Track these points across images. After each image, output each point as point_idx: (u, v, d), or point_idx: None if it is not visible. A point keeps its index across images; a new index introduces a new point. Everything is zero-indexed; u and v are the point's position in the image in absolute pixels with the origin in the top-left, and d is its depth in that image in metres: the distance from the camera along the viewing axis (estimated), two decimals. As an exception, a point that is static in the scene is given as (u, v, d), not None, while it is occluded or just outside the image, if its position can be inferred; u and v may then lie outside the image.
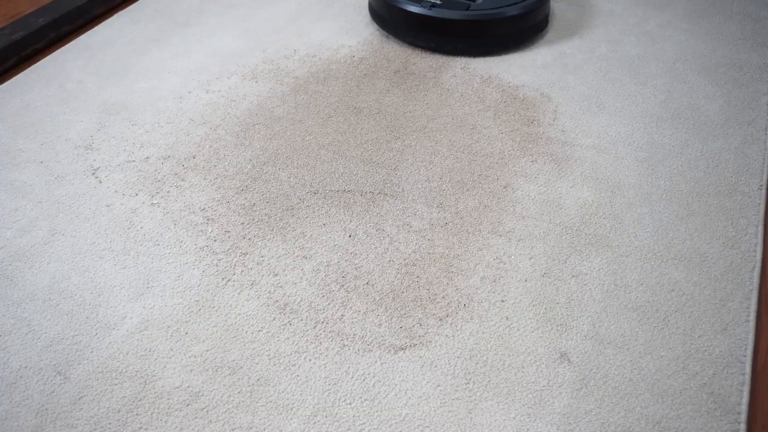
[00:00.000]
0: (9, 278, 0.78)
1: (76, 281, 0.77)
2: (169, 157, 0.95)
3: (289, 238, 0.82)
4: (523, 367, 0.68)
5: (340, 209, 0.86)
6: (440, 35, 1.14)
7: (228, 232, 0.83)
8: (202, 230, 0.84)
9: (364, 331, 0.72)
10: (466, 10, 1.11)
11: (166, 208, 0.87)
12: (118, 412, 0.64)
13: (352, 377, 0.67)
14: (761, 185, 0.90)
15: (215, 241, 0.82)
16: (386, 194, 0.89)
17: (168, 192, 0.89)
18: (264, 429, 0.63)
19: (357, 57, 1.17)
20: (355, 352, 0.69)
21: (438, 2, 1.13)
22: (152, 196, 0.89)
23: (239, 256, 0.80)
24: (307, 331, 0.72)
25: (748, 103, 1.05)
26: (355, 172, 0.92)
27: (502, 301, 0.75)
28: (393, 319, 0.73)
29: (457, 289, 0.76)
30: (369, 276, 0.77)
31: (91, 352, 0.70)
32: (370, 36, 1.23)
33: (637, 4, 1.33)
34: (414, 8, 1.13)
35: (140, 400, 0.65)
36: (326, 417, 0.64)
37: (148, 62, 1.16)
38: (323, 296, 0.75)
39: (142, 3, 1.35)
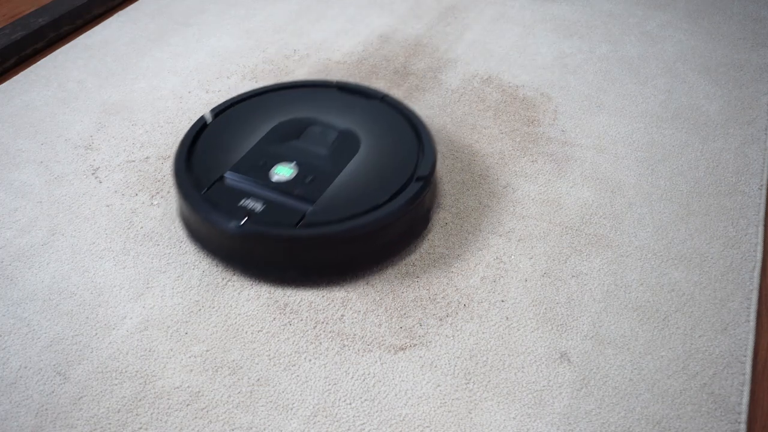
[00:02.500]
0: (9, 278, 0.78)
1: (76, 281, 0.77)
2: (169, 157, 0.95)
3: (289, 238, 0.82)
4: (523, 367, 0.68)
5: (340, 209, 0.86)
6: (258, 260, 0.76)
7: (228, 232, 0.83)
8: (202, 230, 0.84)
9: (364, 331, 0.72)
10: (298, 222, 0.73)
11: (166, 208, 0.87)
12: (118, 412, 0.64)
13: (352, 377, 0.67)
14: (761, 185, 0.90)
15: (215, 241, 0.82)
16: (386, 194, 0.89)
17: (168, 192, 0.89)
18: (264, 429, 0.63)
19: (357, 57, 1.17)
20: (355, 352, 0.69)
21: (258, 209, 0.74)
22: (152, 196, 0.89)
23: (239, 256, 0.80)
24: (307, 331, 0.72)
25: (749, 103, 1.05)
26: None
27: (502, 301, 0.75)
28: (393, 319, 0.73)
29: (457, 289, 0.76)
30: (369, 276, 0.77)
31: (91, 352, 0.69)
32: (370, 36, 1.23)
33: (637, 4, 1.33)
34: (220, 222, 0.73)
35: (140, 400, 0.65)
36: (326, 417, 0.64)
37: (148, 62, 1.16)
38: (323, 296, 0.75)
39: (142, 3, 1.35)
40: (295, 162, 0.80)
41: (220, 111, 0.90)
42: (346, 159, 0.81)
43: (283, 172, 0.78)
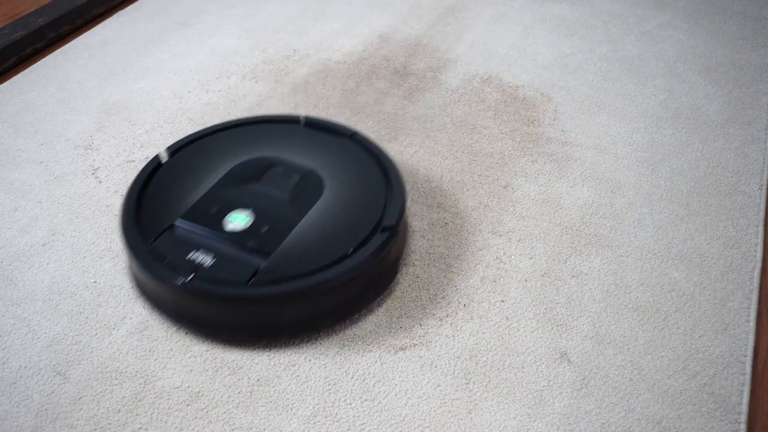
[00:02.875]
0: (9, 278, 0.78)
1: (76, 281, 0.77)
2: (169, 157, 0.95)
3: (289, 238, 0.82)
4: (523, 367, 0.68)
5: (340, 209, 0.86)
6: (206, 320, 0.70)
7: (228, 232, 0.83)
8: (202, 230, 0.83)
9: (364, 331, 0.72)
10: (250, 279, 0.66)
11: (166, 208, 0.87)
12: (118, 412, 0.64)
13: (352, 377, 0.67)
14: (761, 185, 0.90)
15: (215, 241, 0.82)
16: (386, 194, 0.88)
17: (168, 192, 0.89)
18: (264, 429, 0.63)
19: (357, 57, 1.17)
20: (355, 352, 0.69)
21: (207, 264, 0.68)
22: (152, 196, 0.89)
23: (239, 256, 0.80)
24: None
25: (749, 103, 1.05)
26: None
27: (502, 301, 0.75)
28: (393, 319, 0.73)
29: (457, 289, 0.76)
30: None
31: (91, 352, 0.69)
32: (370, 36, 1.23)
33: (637, 4, 1.33)
34: (164, 278, 0.67)
35: (140, 400, 0.65)
36: (326, 417, 0.64)
37: (148, 62, 1.16)
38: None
39: (142, 3, 1.35)
40: (251, 209, 0.74)
41: (177, 149, 0.83)
42: (307, 205, 0.75)
43: (237, 220, 0.72)
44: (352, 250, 0.69)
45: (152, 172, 0.80)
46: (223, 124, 0.88)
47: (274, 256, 0.69)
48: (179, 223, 0.73)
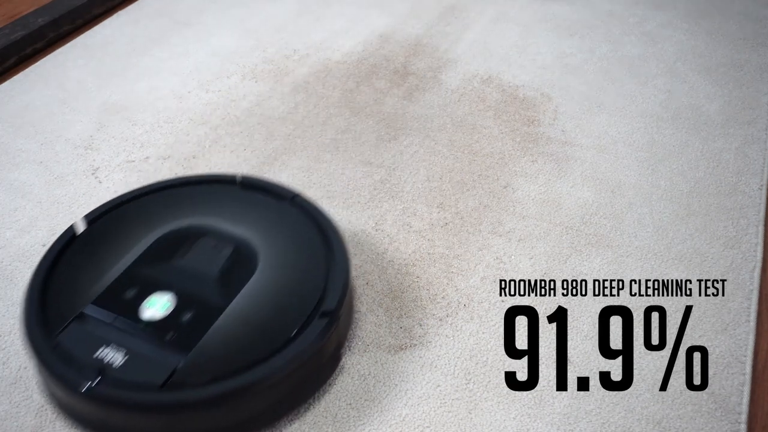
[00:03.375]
0: (9, 278, 0.78)
1: (76, 281, 0.77)
2: (169, 157, 0.95)
3: (289, 238, 0.82)
4: (523, 367, 0.68)
5: (339, 209, 0.86)
6: (112, 428, 0.61)
7: (228, 232, 0.83)
8: (202, 230, 0.83)
9: (364, 331, 0.71)
10: (165, 382, 0.58)
11: (166, 208, 0.87)
12: (118, 412, 0.64)
13: (352, 377, 0.67)
14: (761, 185, 0.90)
15: (215, 241, 0.82)
16: (386, 194, 0.88)
17: (168, 192, 0.89)
18: (264, 429, 0.63)
19: (357, 57, 1.17)
20: (355, 352, 0.69)
21: (118, 362, 0.59)
22: (152, 196, 0.89)
23: (239, 256, 0.80)
24: None
25: (749, 103, 1.05)
26: (354, 172, 0.92)
27: (502, 301, 0.75)
28: (393, 319, 0.73)
29: (457, 289, 0.76)
30: (369, 276, 0.77)
31: (91, 352, 0.69)
32: (370, 36, 1.23)
33: (637, 4, 1.33)
34: (66, 381, 0.58)
35: (140, 400, 0.65)
36: (326, 417, 0.64)
37: (148, 62, 1.16)
38: None
39: (142, 3, 1.35)
40: (173, 292, 0.64)
41: (96, 217, 0.73)
42: (237, 286, 0.65)
43: (156, 306, 0.63)
44: (286, 341, 0.61)
45: (64, 247, 0.70)
46: (151, 185, 0.78)
47: (195, 351, 0.60)
48: (89, 311, 0.63)
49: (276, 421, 0.63)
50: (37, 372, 0.66)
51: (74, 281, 0.66)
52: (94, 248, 0.70)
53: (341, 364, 0.68)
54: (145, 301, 0.64)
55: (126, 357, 0.59)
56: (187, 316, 0.62)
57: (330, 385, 0.66)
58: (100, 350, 0.60)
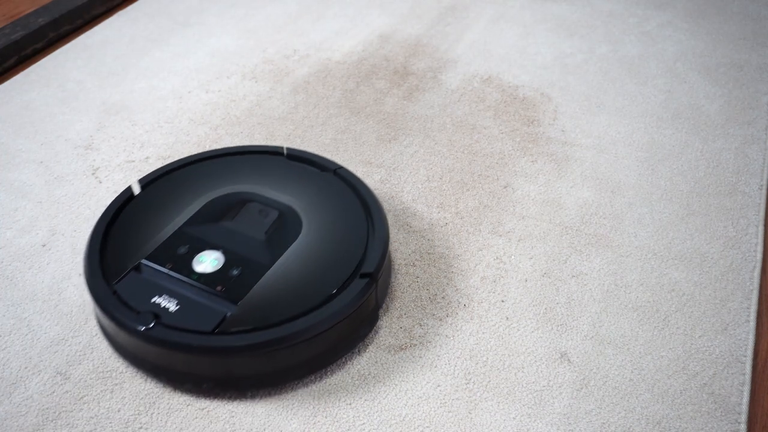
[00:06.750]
0: (9, 278, 0.78)
1: (76, 281, 0.77)
2: (169, 157, 0.95)
3: (289, 238, 0.82)
4: (523, 367, 0.68)
5: (340, 209, 0.86)
6: (169, 368, 0.65)
7: (228, 232, 0.83)
8: (202, 230, 0.83)
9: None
10: (216, 327, 0.63)
11: (166, 208, 0.87)
12: (118, 412, 0.64)
13: (352, 377, 0.67)
14: (761, 185, 0.90)
15: (215, 241, 0.82)
16: (386, 194, 0.88)
17: (168, 192, 0.89)
18: (264, 429, 0.63)
19: (357, 57, 1.17)
20: (355, 353, 0.69)
21: (172, 309, 0.64)
22: (152, 196, 0.89)
23: (239, 256, 0.80)
24: None
25: (749, 103, 1.05)
26: (355, 172, 0.92)
27: (502, 301, 0.75)
28: (392, 319, 0.73)
29: (457, 289, 0.76)
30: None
31: (92, 351, 0.69)
32: (370, 36, 1.23)
33: (637, 4, 1.33)
34: (125, 323, 0.63)
35: (140, 400, 0.65)
36: (326, 417, 0.64)
37: (148, 62, 1.16)
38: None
39: (142, 3, 1.35)
40: (222, 250, 0.69)
41: (150, 181, 0.79)
42: (282, 247, 0.70)
43: (206, 262, 0.68)
44: (327, 298, 0.65)
45: (122, 205, 0.76)
46: (200, 154, 0.83)
47: (244, 302, 0.64)
48: (145, 263, 0.68)
49: (312, 373, 0.67)
50: (96, 318, 0.71)
51: (130, 237, 0.72)
52: (148, 209, 0.75)
53: (377, 325, 0.72)
54: (195, 257, 0.69)
55: (179, 305, 0.64)
56: (235, 272, 0.67)
57: (330, 384, 0.66)
58: (155, 298, 0.65)
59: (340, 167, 0.81)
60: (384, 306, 0.73)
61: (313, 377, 0.67)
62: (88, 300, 0.75)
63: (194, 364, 0.64)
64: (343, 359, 0.68)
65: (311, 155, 0.82)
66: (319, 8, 1.32)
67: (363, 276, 0.67)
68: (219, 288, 0.66)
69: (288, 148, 0.83)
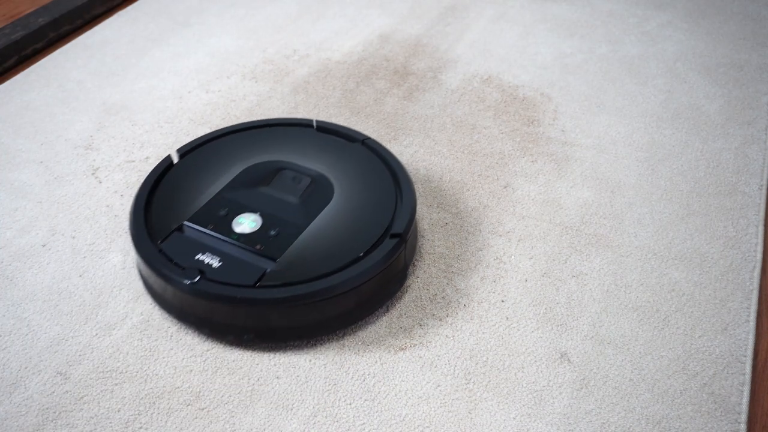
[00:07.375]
0: (9, 278, 0.78)
1: (76, 281, 0.77)
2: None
3: (289, 238, 0.82)
4: (523, 367, 0.68)
5: (340, 209, 0.86)
6: (212, 321, 0.69)
7: (228, 232, 0.83)
8: (202, 230, 0.83)
9: (364, 331, 0.72)
10: (257, 282, 0.67)
11: (166, 208, 0.87)
12: (118, 412, 0.64)
13: (352, 377, 0.67)
14: (761, 185, 0.90)
15: (215, 241, 0.82)
16: (386, 194, 0.89)
17: (168, 192, 0.89)
18: (264, 429, 0.63)
19: (357, 57, 1.17)
20: (355, 352, 0.69)
21: (215, 265, 0.68)
22: (152, 196, 0.89)
23: (239, 256, 0.80)
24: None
25: (749, 103, 1.05)
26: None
27: (502, 301, 0.75)
28: (393, 319, 0.73)
29: (457, 289, 0.76)
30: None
31: (92, 351, 0.69)
32: (370, 36, 1.23)
33: (637, 4, 1.33)
34: (171, 278, 0.68)
35: (140, 400, 0.65)
36: (326, 417, 0.64)
37: (148, 62, 1.16)
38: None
39: (142, 3, 1.35)
40: (259, 212, 0.74)
41: (188, 150, 0.84)
42: (316, 210, 0.75)
43: (245, 223, 0.73)
44: (360, 255, 0.69)
45: (163, 172, 0.81)
46: (234, 126, 0.88)
47: (282, 259, 0.69)
48: (188, 224, 0.73)
49: (347, 326, 0.71)
50: (142, 273, 0.75)
51: (172, 201, 0.77)
52: (187, 176, 0.80)
53: (406, 284, 0.76)
54: (235, 219, 0.73)
55: (221, 262, 0.69)
56: (273, 232, 0.72)
57: (330, 384, 0.67)
58: (199, 255, 0.70)
59: (368, 138, 0.86)
60: (384, 306, 0.74)
61: (316, 375, 0.67)
62: (94, 290, 0.75)
63: (236, 316, 0.68)
64: (344, 359, 0.68)
65: (340, 127, 0.87)
66: (319, 8, 1.32)
67: (393, 236, 0.72)
68: (258, 247, 0.70)
69: (318, 121, 0.88)
